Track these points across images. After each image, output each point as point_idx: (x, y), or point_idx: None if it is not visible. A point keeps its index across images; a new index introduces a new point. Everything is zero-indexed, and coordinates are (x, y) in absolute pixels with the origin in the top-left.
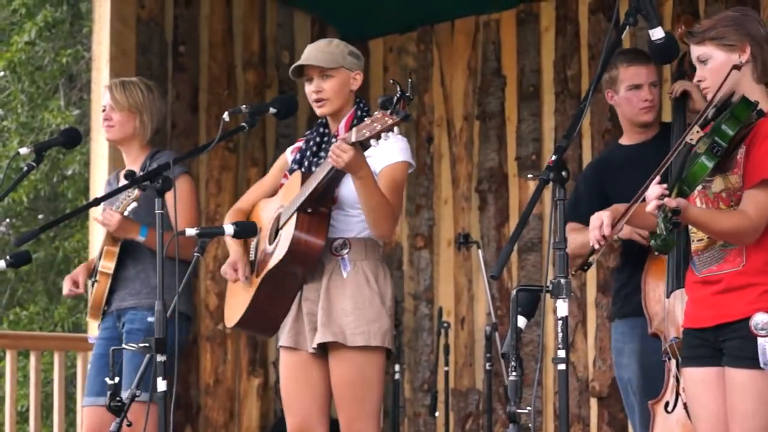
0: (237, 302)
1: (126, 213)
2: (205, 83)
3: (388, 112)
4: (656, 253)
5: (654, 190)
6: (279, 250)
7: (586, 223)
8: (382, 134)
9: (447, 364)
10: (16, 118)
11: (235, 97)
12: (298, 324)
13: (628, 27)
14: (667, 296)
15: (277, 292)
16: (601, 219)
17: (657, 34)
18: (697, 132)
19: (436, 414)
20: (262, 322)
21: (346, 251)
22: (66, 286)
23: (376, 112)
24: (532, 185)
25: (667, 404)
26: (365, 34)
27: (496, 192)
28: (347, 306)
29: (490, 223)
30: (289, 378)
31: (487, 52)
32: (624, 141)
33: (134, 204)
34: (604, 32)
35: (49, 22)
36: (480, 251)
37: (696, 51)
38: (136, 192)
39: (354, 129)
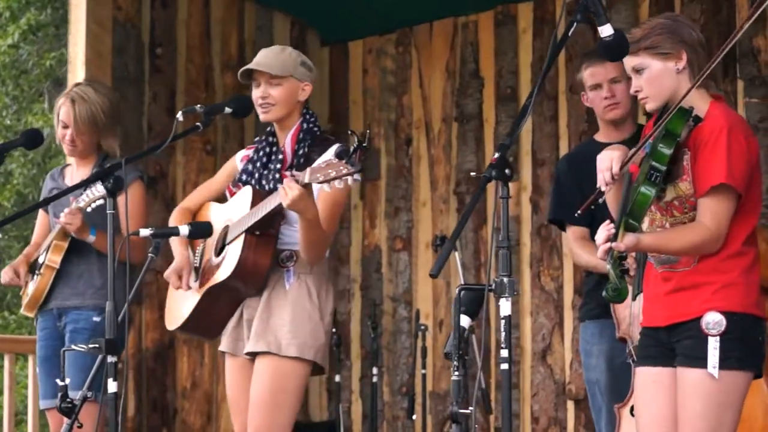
0: (180, 306)
1: (89, 209)
2: (183, 85)
3: (344, 161)
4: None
5: (600, 233)
6: (225, 268)
7: (580, 222)
8: (336, 181)
9: (424, 366)
10: (0, 121)
11: (212, 99)
12: (238, 330)
13: (576, 24)
14: (633, 299)
15: (220, 303)
16: (611, 160)
17: (606, 31)
18: (638, 152)
19: (414, 417)
20: (204, 327)
21: (292, 263)
22: (6, 276)
23: (331, 158)
24: (510, 187)
25: (632, 408)
26: (345, 36)
27: (474, 194)
28: (285, 317)
29: (467, 226)
30: (231, 384)
31: (466, 54)
32: (599, 138)
33: (101, 201)
34: (581, 33)
35: (32, 25)
36: (457, 253)
37: (630, 61)
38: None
39: (308, 170)
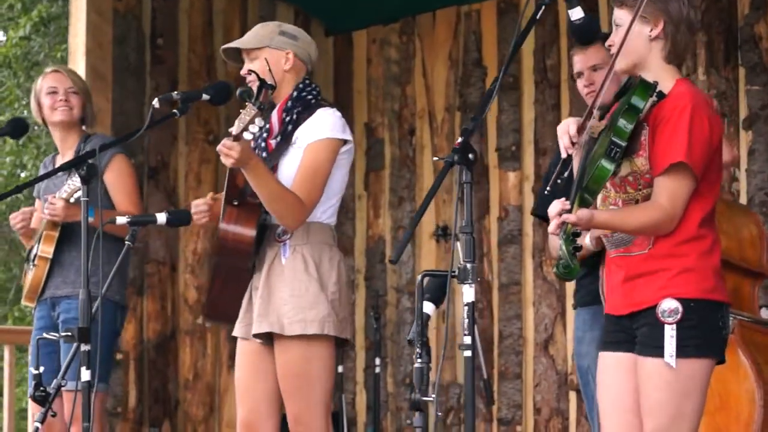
0: None
1: (72, 200)
2: (185, 76)
3: (250, 103)
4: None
5: (554, 206)
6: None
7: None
8: (249, 126)
9: None
10: (12, 113)
11: None
12: (249, 313)
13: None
14: None
15: (226, 283)
16: (567, 125)
17: (575, 14)
18: (598, 124)
19: None
20: (223, 313)
21: (287, 237)
22: (16, 219)
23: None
24: (513, 177)
25: None
26: (349, 26)
27: (477, 184)
28: (285, 293)
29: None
30: (242, 369)
31: (468, 43)
32: None
33: (80, 192)
34: None
35: (44, 17)
36: (458, 243)
37: (615, 13)
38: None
39: (236, 121)
